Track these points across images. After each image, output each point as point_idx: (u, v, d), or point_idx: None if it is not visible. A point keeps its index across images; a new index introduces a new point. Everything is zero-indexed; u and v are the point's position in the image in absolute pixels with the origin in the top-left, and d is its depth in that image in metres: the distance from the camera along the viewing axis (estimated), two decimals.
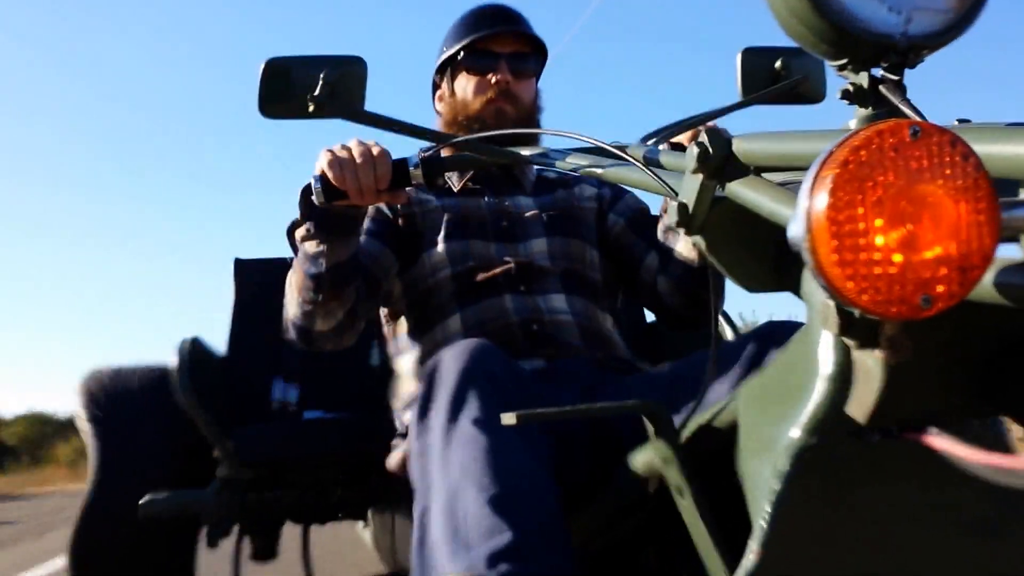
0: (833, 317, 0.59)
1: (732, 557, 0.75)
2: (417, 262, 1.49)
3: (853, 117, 0.66)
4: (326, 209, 1.23)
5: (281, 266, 1.43)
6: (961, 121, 0.60)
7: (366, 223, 1.48)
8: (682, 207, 0.75)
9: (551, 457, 1.04)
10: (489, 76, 1.53)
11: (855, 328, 0.59)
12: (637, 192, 1.61)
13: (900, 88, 0.64)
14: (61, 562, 2.14)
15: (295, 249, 1.34)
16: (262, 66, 1.17)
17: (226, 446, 1.78)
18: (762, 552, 0.66)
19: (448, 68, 1.60)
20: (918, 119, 0.58)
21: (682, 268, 1.40)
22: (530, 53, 1.58)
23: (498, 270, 1.45)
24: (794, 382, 0.69)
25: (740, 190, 0.70)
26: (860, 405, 0.63)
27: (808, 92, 1.26)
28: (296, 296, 1.34)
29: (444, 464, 1.00)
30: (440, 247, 1.47)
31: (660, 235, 1.47)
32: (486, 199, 1.55)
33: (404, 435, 1.42)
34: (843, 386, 0.64)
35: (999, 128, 0.55)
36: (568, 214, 1.57)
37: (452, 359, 1.05)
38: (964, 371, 0.65)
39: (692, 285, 1.40)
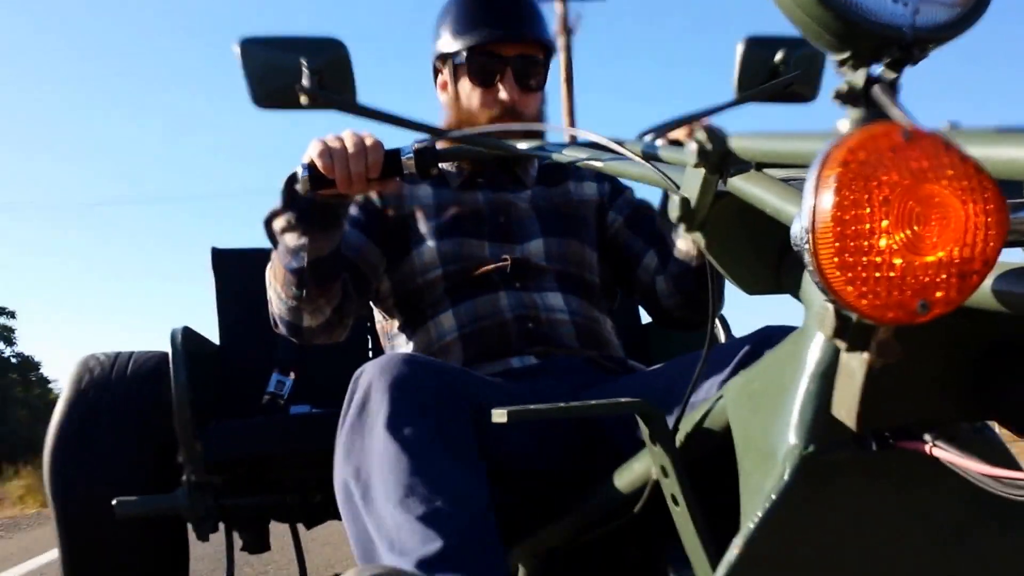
0: (830, 320, 0.58)
1: (719, 560, 0.75)
2: (407, 259, 1.45)
3: (842, 119, 0.66)
4: (309, 199, 1.21)
5: (262, 255, 1.40)
6: (952, 124, 0.60)
7: (355, 215, 1.45)
8: (684, 201, 0.74)
9: (510, 461, 1.06)
10: (495, 89, 1.43)
11: (849, 332, 0.59)
12: (637, 187, 1.59)
13: (894, 90, 0.63)
14: None
15: (273, 240, 1.30)
16: (239, 49, 1.13)
17: (193, 449, 1.74)
18: (745, 548, 0.66)
19: (450, 61, 1.48)
20: (908, 123, 0.58)
21: (681, 267, 1.38)
22: (538, 58, 1.47)
23: (493, 267, 1.42)
24: (779, 381, 0.68)
25: (744, 185, 0.69)
26: (845, 408, 0.62)
27: (801, 91, 1.25)
28: (279, 291, 1.31)
29: (369, 483, 1.02)
30: (431, 244, 1.44)
31: (660, 228, 1.45)
32: (483, 195, 1.51)
33: None
34: (826, 386, 0.64)
35: (989, 132, 0.55)
36: (567, 213, 1.53)
37: (376, 375, 1.05)
38: (955, 375, 0.65)
39: (690, 285, 1.38)
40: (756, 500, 0.67)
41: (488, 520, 0.99)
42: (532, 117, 1.47)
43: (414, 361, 1.08)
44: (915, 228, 0.51)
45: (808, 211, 0.52)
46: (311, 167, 1.16)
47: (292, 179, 1.21)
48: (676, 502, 0.84)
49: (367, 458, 1.03)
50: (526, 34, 1.45)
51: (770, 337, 1.08)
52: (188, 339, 1.88)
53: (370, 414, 1.04)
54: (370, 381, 1.05)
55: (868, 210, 0.51)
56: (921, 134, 0.52)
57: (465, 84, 1.47)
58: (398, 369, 1.05)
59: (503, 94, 1.43)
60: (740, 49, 1.24)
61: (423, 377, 1.06)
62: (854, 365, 0.61)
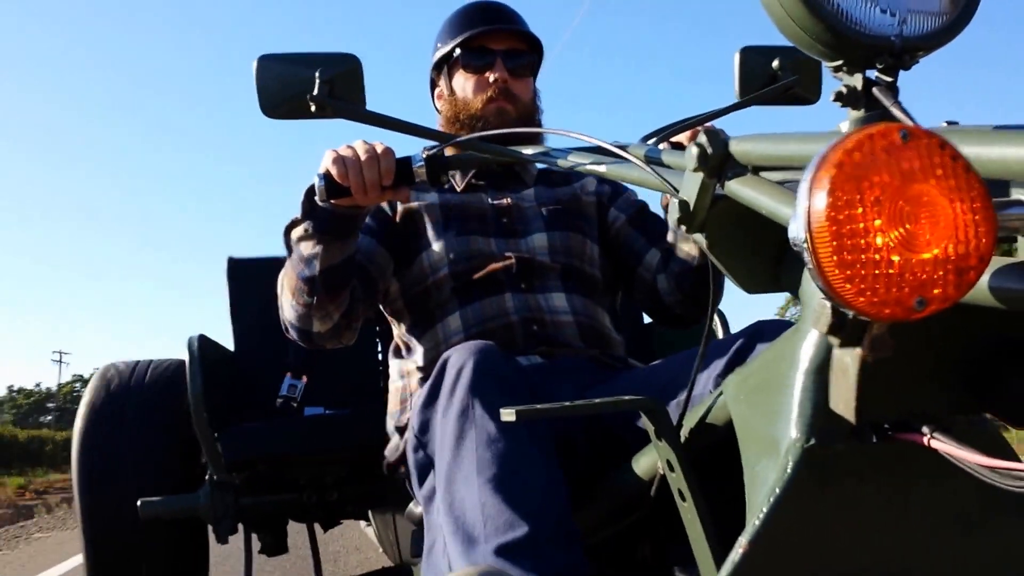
0: (826, 317, 0.59)
1: (724, 557, 0.76)
2: (416, 260, 1.49)
3: (845, 119, 0.67)
4: (328, 209, 1.24)
5: (276, 264, 1.45)
6: (949, 123, 0.61)
7: (366, 220, 1.48)
8: (683, 204, 0.76)
9: (557, 456, 1.05)
10: (487, 75, 1.53)
11: (845, 328, 0.60)
12: (638, 189, 1.62)
13: (893, 90, 0.64)
14: None
15: (289, 249, 1.34)
16: (255, 64, 1.17)
17: (214, 450, 1.79)
18: (750, 547, 0.67)
19: (445, 66, 1.59)
20: (908, 122, 0.59)
21: (682, 267, 1.41)
22: (525, 51, 1.57)
23: (498, 266, 1.45)
24: (776, 376, 0.70)
25: (740, 188, 0.71)
26: (843, 401, 0.63)
27: (803, 93, 1.27)
28: (290, 298, 1.35)
29: (455, 459, 1.01)
30: (440, 245, 1.47)
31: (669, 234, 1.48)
32: (488, 195, 1.55)
33: (400, 433, 1.43)
34: (822, 381, 0.65)
35: (986, 131, 0.56)
36: (569, 209, 1.57)
37: (461, 357, 1.07)
38: (951, 369, 0.66)
39: (691, 284, 1.41)
40: (760, 493, 0.68)
41: (566, 505, 1.00)
42: (527, 102, 1.55)
43: (498, 350, 1.10)
44: (907, 226, 0.52)
45: (803, 212, 0.53)
46: (327, 176, 1.19)
47: (311, 190, 1.24)
48: (683, 497, 0.86)
49: (459, 436, 1.03)
50: (512, 27, 1.55)
51: (763, 331, 1.09)
52: (204, 346, 1.93)
53: (465, 394, 1.04)
54: (465, 364, 1.06)
55: (860, 210, 0.52)
56: (919, 134, 0.53)
57: (459, 78, 1.56)
58: (490, 356, 1.07)
59: (495, 74, 1.51)
60: (737, 58, 1.28)
61: (509, 365, 1.09)
62: (847, 360, 0.62)
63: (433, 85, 1.65)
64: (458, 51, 1.54)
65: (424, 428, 1.10)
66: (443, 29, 1.60)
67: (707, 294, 1.41)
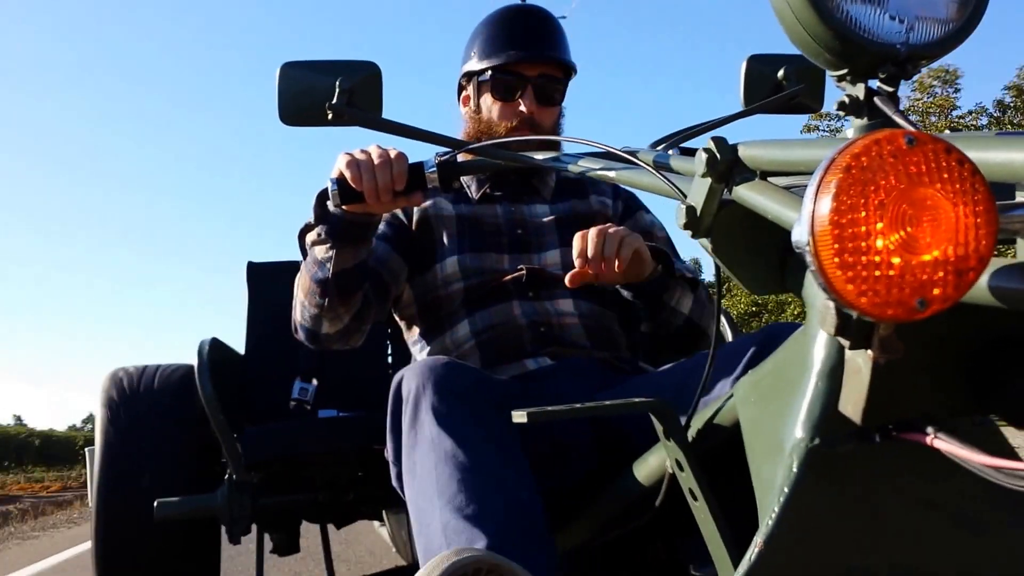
0: (831, 318, 0.61)
1: (739, 554, 0.77)
2: (430, 270, 1.50)
3: (848, 128, 0.69)
4: (340, 215, 1.25)
5: (293, 269, 1.47)
6: (952, 130, 0.63)
7: (381, 227, 1.49)
8: (690, 209, 0.78)
9: (531, 461, 1.07)
10: (516, 103, 1.51)
11: (851, 329, 0.61)
12: (646, 196, 1.64)
13: (894, 100, 0.66)
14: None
15: (305, 253, 1.35)
16: (278, 71, 1.20)
17: (234, 450, 1.81)
18: (765, 546, 0.69)
19: (475, 78, 1.56)
20: (911, 129, 0.61)
21: (673, 321, 1.47)
22: (558, 77, 1.55)
23: (509, 278, 1.47)
24: (788, 379, 0.71)
25: (746, 193, 0.72)
26: (852, 403, 0.65)
27: (807, 102, 1.30)
28: (303, 299, 1.37)
29: (418, 483, 1.04)
30: (454, 259, 1.48)
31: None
32: (502, 207, 1.56)
33: None
34: (834, 383, 0.66)
35: (988, 137, 0.58)
36: (583, 224, 1.57)
37: (410, 379, 1.08)
38: (955, 370, 0.67)
39: (672, 329, 1.48)
40: (770, 494, 0.69)
41: (534, 512, 1.01)
42: (549, 129, 1.54)
43: (454, 364, 1.11)
44: (908, 229, 0.54)
45: (808, 215, 0.55)
46: (340, 181, 1.20)
47: (323, 194, 1.25)
48: (695, 497, 0.87)
49: (419, 458, 1.05)
50: (547, 55, 1.53)
51: (776, 335, 1.10)
52: (214, 349, 1.94)
53: (420, 415, 1.06)
54: (417, 384, 1.07)
55: (863, 213, 0.53)
56: (924, 139, 0.54)
57: (487, 98, 1.54)
58: (442, 372, 1.08)
59: (523, 107, 1.50)
60: (743, 67, 1.30)
61: (465, 379, 1.10)
62: (860, 362, 0.63)
63: (460, 88, 1.63)
64: (489, 73, 1.52)
65: (396, 456, 1.12)
66: (480, 37, 1.57)
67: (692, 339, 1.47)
